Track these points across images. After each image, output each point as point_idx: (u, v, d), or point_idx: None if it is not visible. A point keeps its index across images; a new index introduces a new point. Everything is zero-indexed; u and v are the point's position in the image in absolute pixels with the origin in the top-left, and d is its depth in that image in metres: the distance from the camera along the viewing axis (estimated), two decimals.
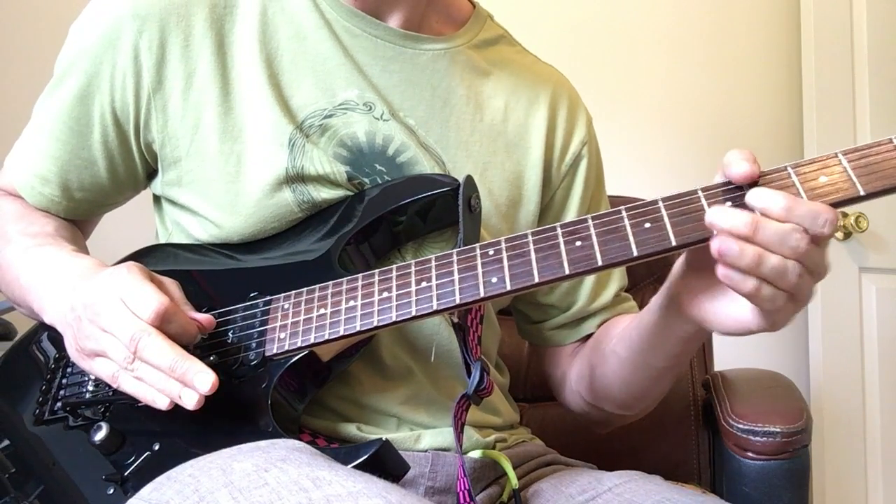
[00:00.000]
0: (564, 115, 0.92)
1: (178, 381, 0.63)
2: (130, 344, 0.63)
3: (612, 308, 0.93)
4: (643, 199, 0.64)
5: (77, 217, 0.87)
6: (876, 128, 1.93)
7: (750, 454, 1.06)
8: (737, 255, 0.57)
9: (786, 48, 2.06)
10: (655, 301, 0.73)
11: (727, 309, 0.65)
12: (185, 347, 0.65)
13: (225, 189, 0.77)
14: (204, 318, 0.69)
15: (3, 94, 1.75)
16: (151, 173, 0.84)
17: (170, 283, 0.71)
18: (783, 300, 0.60)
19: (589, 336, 0.93)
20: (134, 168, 0.83)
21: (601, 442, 1.15)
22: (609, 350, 0.84)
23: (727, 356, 1.57)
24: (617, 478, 0.79)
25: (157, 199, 0.87)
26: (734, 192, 0.61)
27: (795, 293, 0.60)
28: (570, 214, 0.92)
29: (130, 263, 0.70)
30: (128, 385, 0.66)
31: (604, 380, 0.87)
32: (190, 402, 0.63)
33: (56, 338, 0.79)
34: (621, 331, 0.83)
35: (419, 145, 0.81)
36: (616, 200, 1.01)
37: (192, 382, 0.63)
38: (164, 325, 0.65)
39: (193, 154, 0.78)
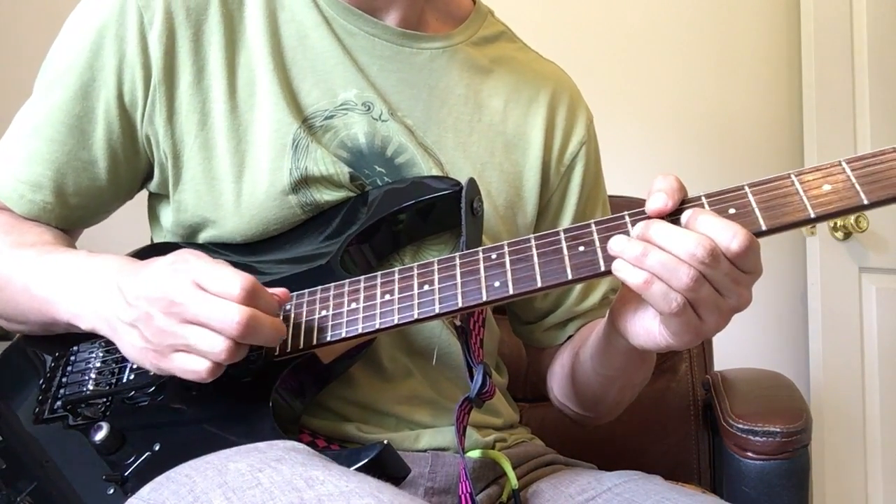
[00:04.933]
0: (564, 114, 0.91)
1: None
2: (237, 327, 0.60)
3: (598, 310, 0.93)
4: (644, 199, 0.64)
5: (67, 227, 0.82)
6: (876, 128, 1.93)
7: (750, 454, 1.06)
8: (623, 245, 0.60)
9: (786, 48, 2.06)
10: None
11: (641, 320, 0.67)
12: None
13: (228, 188, 0.76)
14: (280, 290, 0.67)
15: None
16: (148, 175, 0.82)
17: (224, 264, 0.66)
18: (680, 304, 0.59)
19: (572, 336, 0.94)
20: (137, 164, 0.80)
21: (601, 442, 1.15)
22: (576, 352, 0.87)
23: (727, 356, 1.57)
24: (617, 478, 0.79)
25: (152, 199, 0.86)
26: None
27: (696, 303, 0.60)
28: (567, 215, 0.92)
29: (183, 250, 0.67)
30: (218, 371, 0.63)
31: (568, 380, 0.89)
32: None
33: (56, 337, 0.78)
34: (587, 334, 0.84)
35: (417, 146, 0.81)
36: (617, 200, 1.01)
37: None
38: (255, 301, 0.62)
39: (197, 150, 0.77)
